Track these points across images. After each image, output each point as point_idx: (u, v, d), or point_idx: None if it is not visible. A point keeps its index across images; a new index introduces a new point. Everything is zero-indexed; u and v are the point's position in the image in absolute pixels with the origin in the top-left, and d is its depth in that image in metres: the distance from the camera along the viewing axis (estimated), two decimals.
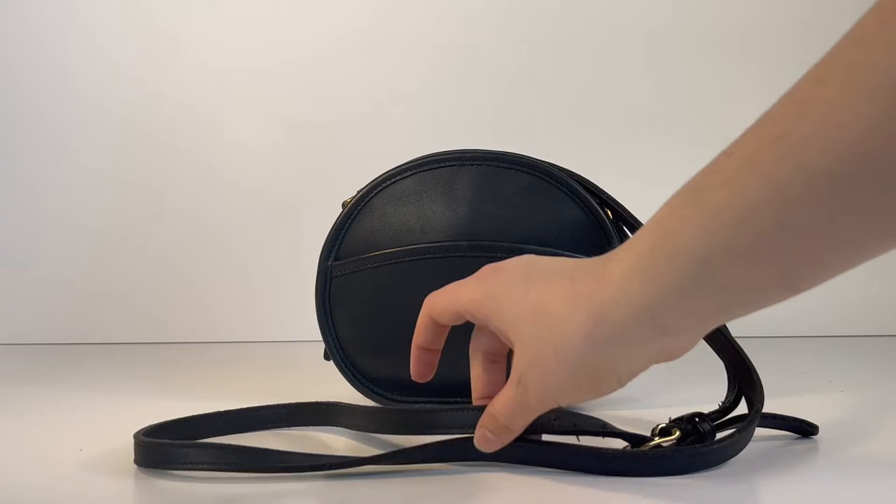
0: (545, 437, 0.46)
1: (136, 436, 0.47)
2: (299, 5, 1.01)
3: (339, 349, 0.61)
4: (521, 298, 0.40)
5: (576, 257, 0.57)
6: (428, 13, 1.01)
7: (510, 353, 0.45)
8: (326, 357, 0.62)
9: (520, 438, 0.43)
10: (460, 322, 0.45)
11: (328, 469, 0.44)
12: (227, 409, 0.54)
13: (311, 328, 0.62)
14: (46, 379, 0.80)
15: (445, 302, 0.44)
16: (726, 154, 0.34)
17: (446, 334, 0.47)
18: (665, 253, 0.35)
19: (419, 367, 0.47)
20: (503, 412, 0.42)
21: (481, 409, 0.44)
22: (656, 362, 0.39)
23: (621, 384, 0.39)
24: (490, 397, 0.44)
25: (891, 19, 0.29)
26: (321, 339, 0.62)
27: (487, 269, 0.43)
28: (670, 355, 0.39)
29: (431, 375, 0.47)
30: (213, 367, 0.84)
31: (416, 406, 0.45)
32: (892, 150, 0.29)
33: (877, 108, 0.29)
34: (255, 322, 1.02)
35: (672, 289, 0.35)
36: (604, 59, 1.02)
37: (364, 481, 0.44)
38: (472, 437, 0.44)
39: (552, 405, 0.41)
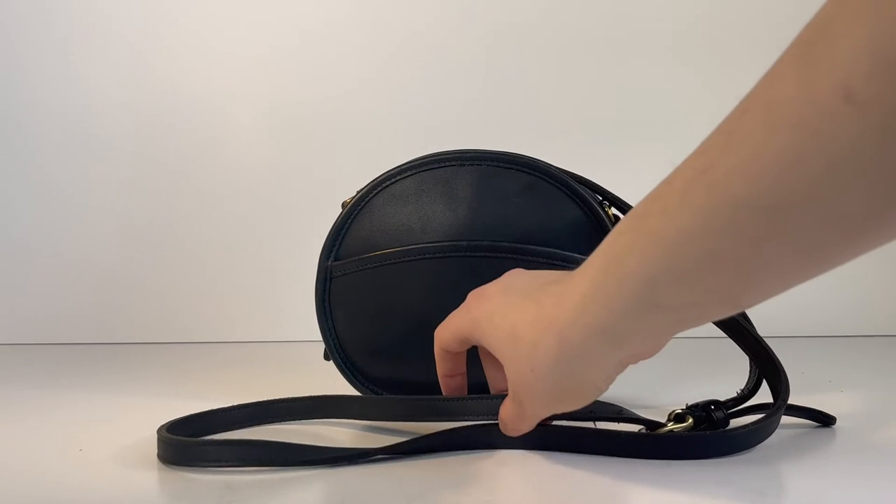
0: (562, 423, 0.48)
1: (159, 431, 0.48)
2: (301, 6, 1.01)
3: (339, 349, 0.61)
4: (500, 325, 0.44)
5: (574, 257, 0.58)
6: (429, 14, 1.01)
7: None
8: (326, 357, 0.62)
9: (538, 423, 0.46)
10: (467, 346, 0.48)
11: (349, 462, 0.46)
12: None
13: (311, 328, 0.62)
14: (47, 380, 0.80)
15: (448, 332, 0.48)
16: (667, 182, 0.35)
17: (464, 358, 0.50)
18: (614, 277, 0.37)
19: (450, 391, 0.51)
20: (509, 421, 0.45)
21: (503, 396, 0.47)
22: (630, 364, 0.41)
23: (601, 390, 0.42)
24: (505, 389, 0.47)
25: (803, 55, 0.30)
26: (321, 339, 0.62)
27: (473, 297, 0.47)
28: (640, 357, 0.41)
29: (465, 394, 0.51)
30: (212, 368, 0.84)
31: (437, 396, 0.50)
32: (803, 183, 0.29)
33: (789, 142, 0.29)
34: (254, 322, 1.02)
35: (622, 309, 0.37)
36: (605, 59, 1.02)
37: (364, 477, 0.44)
38: (497, 424, 0.47)
39: (547, 414, 0.44)
